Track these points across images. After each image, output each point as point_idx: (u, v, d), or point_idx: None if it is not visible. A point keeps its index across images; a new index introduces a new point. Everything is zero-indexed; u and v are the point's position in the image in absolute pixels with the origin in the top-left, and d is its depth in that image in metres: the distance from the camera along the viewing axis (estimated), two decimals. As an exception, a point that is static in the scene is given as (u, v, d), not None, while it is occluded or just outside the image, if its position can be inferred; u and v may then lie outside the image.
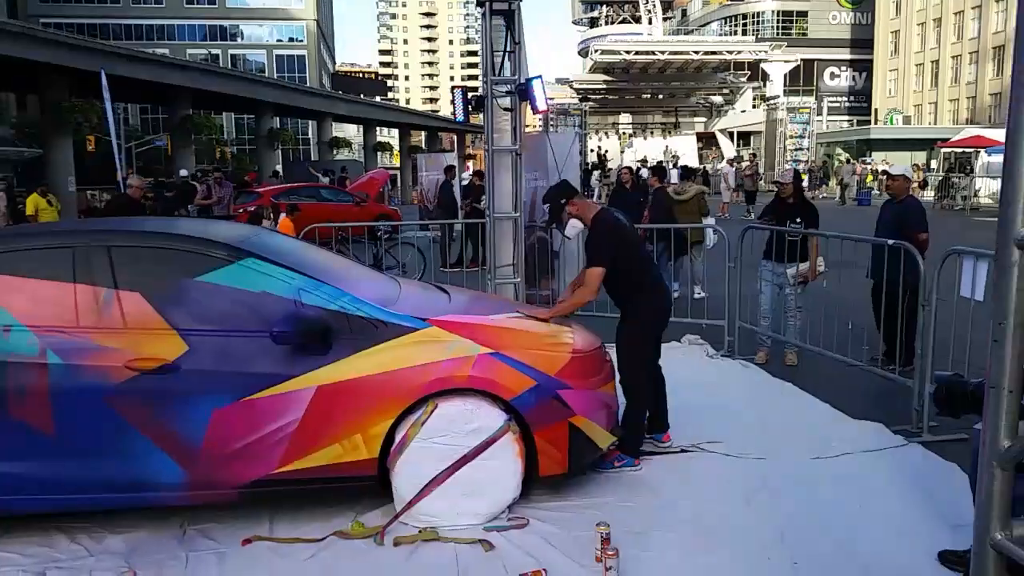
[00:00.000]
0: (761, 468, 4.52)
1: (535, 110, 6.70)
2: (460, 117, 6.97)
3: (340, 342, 3.71)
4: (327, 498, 3.98)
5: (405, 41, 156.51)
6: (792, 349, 6.92)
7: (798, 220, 6.68)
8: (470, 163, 32.57)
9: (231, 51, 70.39)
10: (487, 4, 6.46)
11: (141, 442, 3.57)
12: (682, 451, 4.81)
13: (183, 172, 18.70)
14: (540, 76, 6.54)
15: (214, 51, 68.26)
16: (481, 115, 7.01)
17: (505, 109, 6.83)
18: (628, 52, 47.76)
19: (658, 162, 31.06)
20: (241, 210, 15.59)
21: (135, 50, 32.88)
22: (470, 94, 7.00)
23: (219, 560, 3.59)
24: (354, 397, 3.69)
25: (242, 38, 71.75)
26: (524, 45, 6.89)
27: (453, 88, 7.01)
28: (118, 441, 3.56)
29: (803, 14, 66.20)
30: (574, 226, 4.65)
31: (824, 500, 4.11)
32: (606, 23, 67.49)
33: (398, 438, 3.75)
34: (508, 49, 6.84)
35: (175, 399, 3.58)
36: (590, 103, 54.42)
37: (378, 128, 53.85)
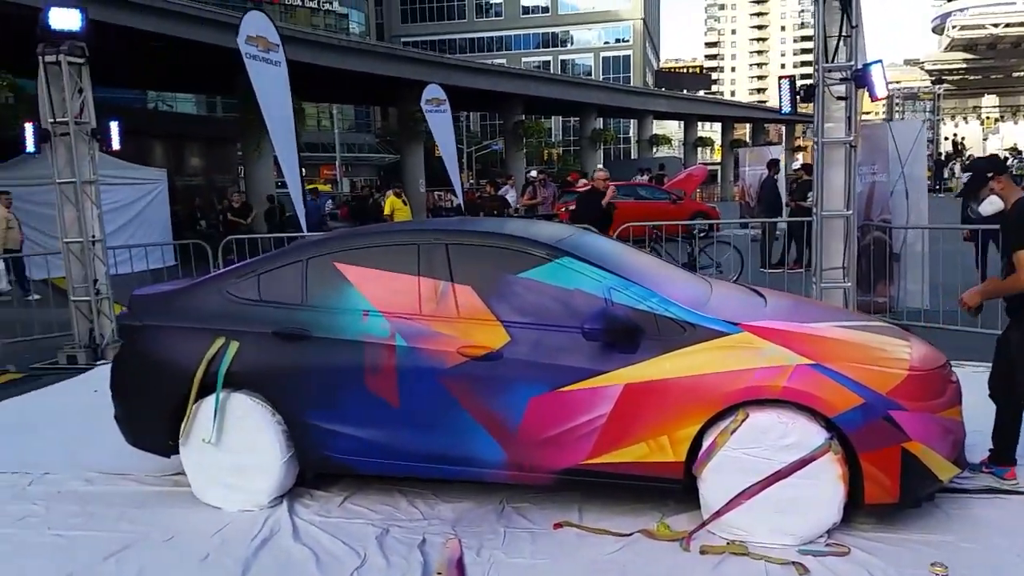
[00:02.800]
0: None
1: (873, 97, 6.15)
2: (787, 109, 6.61)
3: (648, 342, 3.72)
4: (634, 495, 4.01)
5: (733, 32, 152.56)
6: None
7: None
8: (799, 156, 30.71)
9: (561, 57, 74.20)
10: (822, -14, 6.08)
11: (468, 421, 3.91)
12: (1052, 494, 4.06)
13: (532, 173, 20.35)
14: (880, 60, 5.99)
15: (545, 58, 72.55)
16: (811, 105, 6.58)
17: (839, 98, 6.35)
18: (996, 25, 41.69)
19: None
20: (563, 208, 16.34)
21: (474, 62, 36.33)
22: (799, 83, 6.62)
23: (532, 539, 3.80)
24: (660, 398, 3.67)
25: (572, 43, 75.20)
26: (862, 28, 6.34)
27: (780, 78, 6.65)
28: (449, 418, 3.93)
29: None
30: (992, 203, 4.18)
31: None
32: (968, -5, 59.48)
33: (706, 444, 3.66)
34: (844, 33, 6.34)
35: (498, 384, 3.85)
36: (945, 85, 48.37)
37: (699, 123, 53.17)
